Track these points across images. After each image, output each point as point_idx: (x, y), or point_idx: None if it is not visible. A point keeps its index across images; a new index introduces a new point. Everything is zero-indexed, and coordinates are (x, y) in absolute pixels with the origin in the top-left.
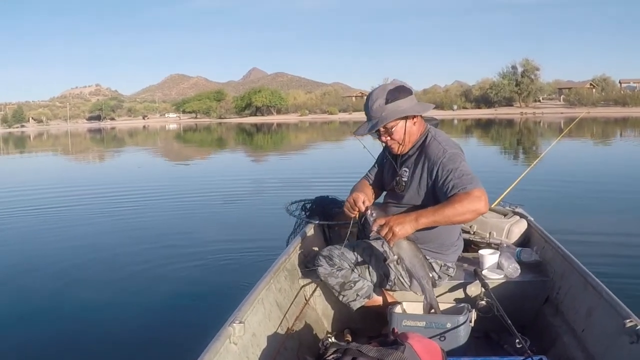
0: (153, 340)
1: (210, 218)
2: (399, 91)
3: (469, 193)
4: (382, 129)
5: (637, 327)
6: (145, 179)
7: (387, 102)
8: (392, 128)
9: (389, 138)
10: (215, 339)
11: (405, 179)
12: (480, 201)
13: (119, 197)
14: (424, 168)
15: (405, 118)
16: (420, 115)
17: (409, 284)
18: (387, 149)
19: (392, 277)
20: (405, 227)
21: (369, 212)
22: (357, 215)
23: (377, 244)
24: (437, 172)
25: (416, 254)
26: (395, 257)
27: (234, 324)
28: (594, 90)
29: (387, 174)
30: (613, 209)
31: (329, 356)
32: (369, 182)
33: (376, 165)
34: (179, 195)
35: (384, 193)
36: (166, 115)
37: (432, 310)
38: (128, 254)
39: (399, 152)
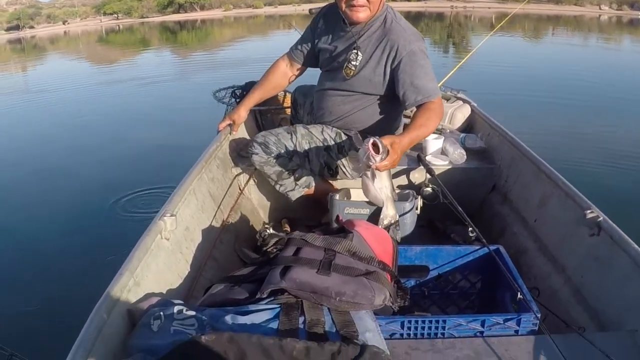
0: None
1: (134, 112)
2: None
3: (435, 103)
4: None
5: (599, 219)
6: (78, 82)
7: None
8: None
9: None
10: (144, 235)
11: (356, 63)
12: (441, 110)
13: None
14: (384, 55)
15: None
16: None
17: (351, 173)
18: (334, 19)
19: (333, 166)
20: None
21: (354, 135)
22: (291, 100)
23: (316, 131)
24: (401, 65)
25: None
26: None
27: (165, 218)
28: None
29: (327, 53)
30: (554, 103)
31: (269, 248)
32: (294, 59)
33: (305, 42)
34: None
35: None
36: (87, 18)
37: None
38: (65, 147)
39: (362, 21)
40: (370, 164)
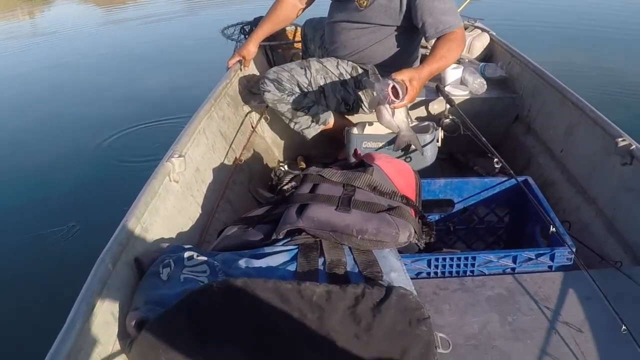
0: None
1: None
2: None
3: (456, 33)
4: None
5: (632, 147)
6: (83, 24)
7: None
8: None
9: None
10: (151, 178)
11: None
12: (464, 41)
13: None
14: None
15: None
16: None
17: (368, 107)
18: None
19: (351, 101)
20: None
21: (371, 69)
22: (301, 34)
23: (331, 65)
24: None
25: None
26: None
27: (173, 159)
28: None
29: None
30: (577, 33)
31: (284, 185)
32: None
33: None
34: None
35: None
36: None
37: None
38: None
39: None
40: (388, 105)
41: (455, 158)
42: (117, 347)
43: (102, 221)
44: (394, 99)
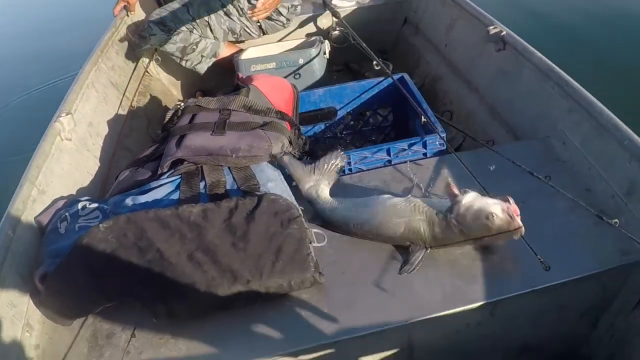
0: None
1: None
2: None
3: None
4: None
5: (503, 33)
6: None
7: None
8: None
9: None
10: (41, 141)
11: None
12: None
13: None
14: None
15: None
16: None
17: (257, 32)
18: None
19: (237, 29)
20: None
21: None
22: None
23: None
24: None
25: None
26: None
27: (61, 118)
28: None
29: None
30: None
31: (167, 122)
32: None
33: None
34: None
35: None
36: None
37: None
38: None
39: None
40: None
41: (350, 67)
42: (32, 305)
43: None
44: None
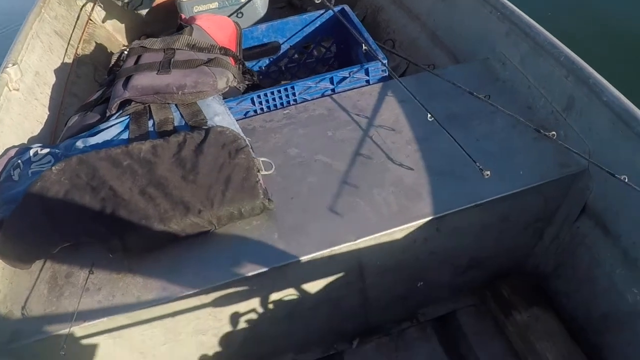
0: None
1: None
2: None
3: None
4: None
5: None
6: None
7: None
8: None
9: None
10: None
11: None
12: None
13: None
14: None
15: None
16: None
17: None
18: None
19: None
20: None
21: None
22: None
23: None
24: None
25: None
26: None
27: (7, 69)
28: None
29: None
30: None
31: (113, 65)
32: None
33: None
34: None
35: None
36: None
37: None
38: None
39: None
40: None
41: (292, 4)
42: None
43: None
44: None
